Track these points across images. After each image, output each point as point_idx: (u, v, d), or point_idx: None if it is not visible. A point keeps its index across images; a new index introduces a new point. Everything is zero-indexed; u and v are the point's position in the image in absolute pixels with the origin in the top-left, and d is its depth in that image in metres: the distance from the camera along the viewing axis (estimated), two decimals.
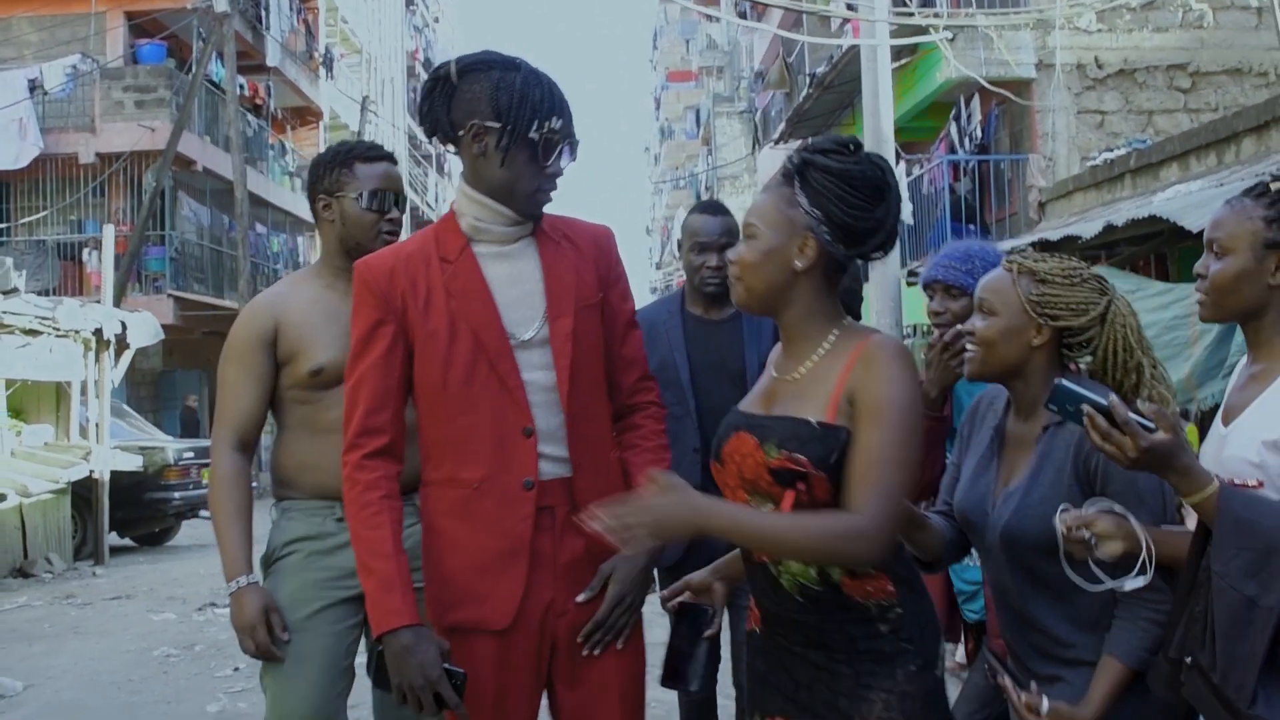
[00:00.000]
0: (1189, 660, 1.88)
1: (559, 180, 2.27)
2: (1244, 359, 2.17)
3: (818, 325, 2.05)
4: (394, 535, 2.22)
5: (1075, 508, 2.02)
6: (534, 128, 2.18)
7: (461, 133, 2.23)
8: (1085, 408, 1.84)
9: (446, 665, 2.17)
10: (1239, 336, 2.14)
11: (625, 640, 2.30)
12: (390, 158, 2.88)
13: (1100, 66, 12.91)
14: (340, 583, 2.70)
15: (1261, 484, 1.95)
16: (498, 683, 2.22)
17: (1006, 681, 2.11)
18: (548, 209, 2.32)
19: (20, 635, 7.73)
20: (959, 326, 2.31)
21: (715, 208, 3.69)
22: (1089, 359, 2.16)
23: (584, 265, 2.32)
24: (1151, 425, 1.80)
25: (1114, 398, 1.84)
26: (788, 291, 2.04)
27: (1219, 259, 2.06)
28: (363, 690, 2.65)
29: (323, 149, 3.16)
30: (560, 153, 2.24)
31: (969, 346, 2.26)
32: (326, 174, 2.81)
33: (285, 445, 2.79)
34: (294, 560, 2.73)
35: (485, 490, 2.20)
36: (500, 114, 2.18)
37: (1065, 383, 1.89)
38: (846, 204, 1.98)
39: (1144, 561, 1.89)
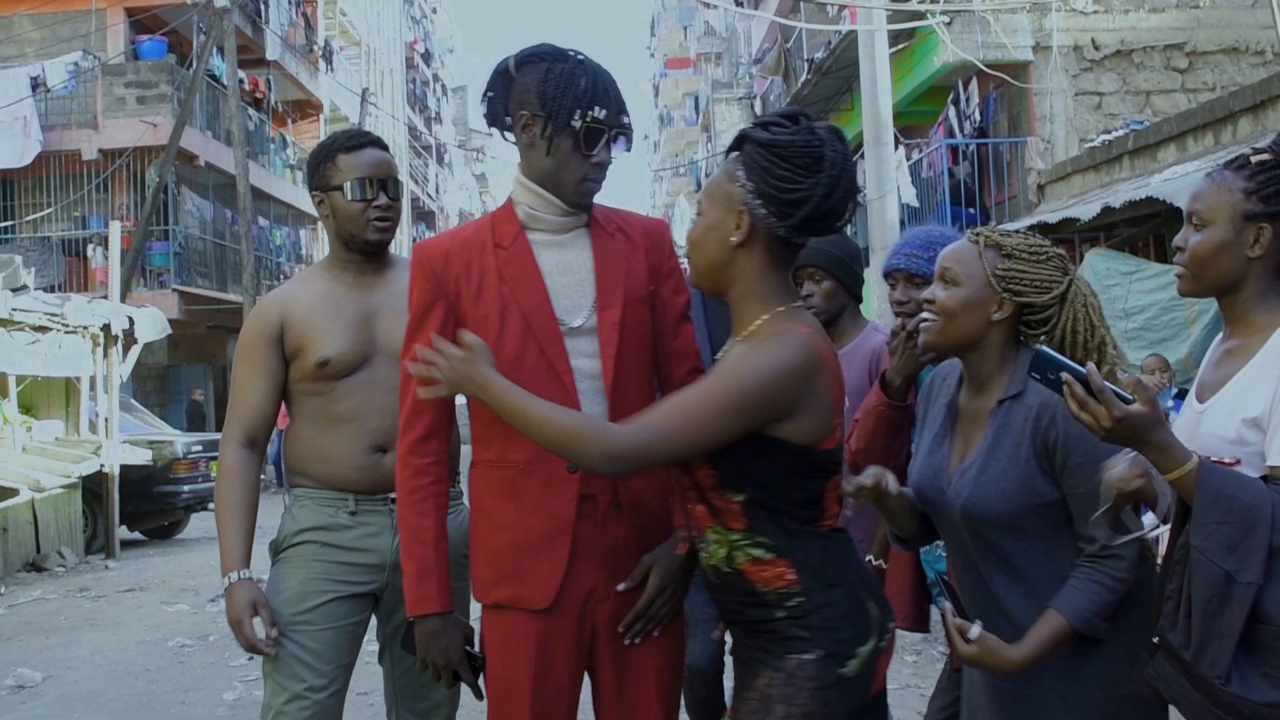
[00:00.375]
0: (1156, 640, 1.87)
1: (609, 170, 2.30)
2: (1218, 337, 2.16)
3: (753, 306, 2.05)
4: (438, 523, 2.31)
5: (1043, 481, 2.06)
6: (576, 116, 2.22)
7: (513, 123, 2.29)
8: (1064, 375, 1.84)
9: (469, 649, 2.31)
10: None
11: (664, 628, 2.33)
12: (376, 143, 2.87)
13: (1097, 48, 12.93)
14: (350, 577, 2.74)
15: (1239, 461, 1.94)
16: (538, 664, 2.25)
17: (946, 605, 2.12)
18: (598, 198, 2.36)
19: (37, 628, 7.80)
20: (923, 316, 2.26)
21: None
22: (1043, 339, 2.15)
23: (636, 257, 2.35)
24: (1129, 397, 1.80)
25: (1091, 366, 1.84)
26: (730, 268, 2.05)
27: (1198, 231, 2.05)
28: (375, 678, 2.70)
29: None
30: (605, 142, 2.26)
31: (927, 315, 2.21)
32: (316, 170, 2.84)
33: (297, 435, 2.83)
34: (304, 550, 2.76)
35: (532, 471, 2.25)
36: (545, 103, 2.23)
37: (1046, 350, 1.90)
38: (771, 174, 1.97)
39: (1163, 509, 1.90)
